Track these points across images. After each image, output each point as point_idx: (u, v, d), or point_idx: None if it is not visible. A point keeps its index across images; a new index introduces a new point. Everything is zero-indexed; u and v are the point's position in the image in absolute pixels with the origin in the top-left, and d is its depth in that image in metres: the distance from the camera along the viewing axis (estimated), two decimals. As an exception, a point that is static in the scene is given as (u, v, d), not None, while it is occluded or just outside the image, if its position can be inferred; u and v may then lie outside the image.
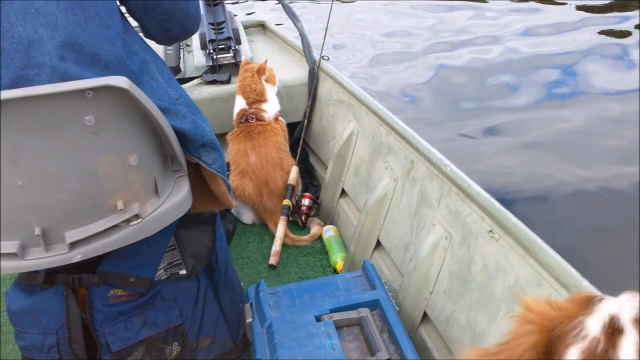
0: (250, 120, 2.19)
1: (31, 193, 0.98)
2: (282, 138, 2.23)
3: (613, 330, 0.57)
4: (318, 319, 1.34)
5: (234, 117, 2.25)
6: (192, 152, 1.21)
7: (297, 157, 2.31)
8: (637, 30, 4.98)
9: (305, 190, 2.37)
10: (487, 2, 6.29)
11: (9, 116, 0.92)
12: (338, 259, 2.01)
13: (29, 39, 0.94)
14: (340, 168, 2.16)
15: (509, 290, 1.20)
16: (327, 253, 2.09)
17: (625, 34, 4.96)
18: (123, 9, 1.17)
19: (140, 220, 1.09)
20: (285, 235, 2.13)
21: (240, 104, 2.24)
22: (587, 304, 0.61)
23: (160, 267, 1.30)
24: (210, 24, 2.51)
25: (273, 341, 1.27)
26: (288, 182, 2.20)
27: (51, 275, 1.21)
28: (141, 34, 1.25)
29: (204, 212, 1.42)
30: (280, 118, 2.28)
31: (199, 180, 1.31)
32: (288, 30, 2.93)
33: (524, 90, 3.98)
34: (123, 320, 1.25)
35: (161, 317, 1.29)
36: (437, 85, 4.24)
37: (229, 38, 2.46)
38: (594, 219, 2.62)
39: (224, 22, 2.52)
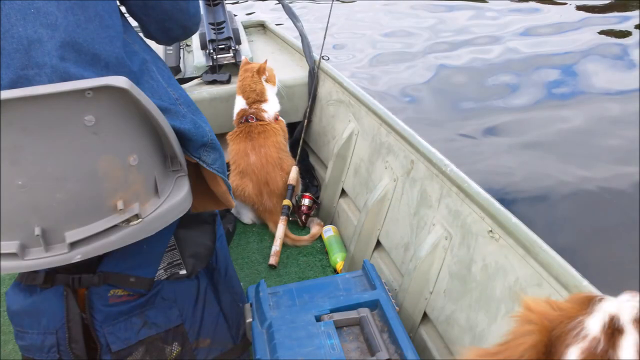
0: (250, 120, 2.19)
1: (31, 193, 0.98)
2: (282, 138, 2.23)
3: (613, 330, 0.57)
4: (318, 319, 1.34)
5: (234, 117, 2.25)
6: (192, 152, 1.21)
7: (297, 157, 2.31)
8: (637, 30, 4.98)
9: (305, 190, 2.36)
10: (487, 2, 6.29)
11: (9, 116, 0.92)
12: (338, 259, 2.01)
13: (29, 39, 0.94)
14: (340, 168, 2.16)
15: (509, 290, 1.19)
16: (327, 253, 2.09)
17: (625, 34, 4.96)
18: (123, 9, 1.17)
19: (140, 220, 1.09)
20: (285, 235, 2.13)
21: (240, 104, 2.24)
22: (587, 304, 0.61)
23: (160, 267, 1.31)
24: (210, 24, 2.51)
25: (273, 341, 1.27)
26: (288, 182, 2.20)
27: (51, 275, 1.21)
28: (141, 34, 1.25)
29: (204, 212, 1.42)
30: (280, 118, 2.28)
31: (199, 180, 1.31)
32: (288, 30, 2.93)
33: (524, 90, 3.98)
34: (123, 320, 1.25)
35: (161, 317, 1.29)
36: (437, 85, 4.24)
37: (229, 38, 2.46)
38: (594, 219, 2.62)
39: (224, 22, 2.52)
